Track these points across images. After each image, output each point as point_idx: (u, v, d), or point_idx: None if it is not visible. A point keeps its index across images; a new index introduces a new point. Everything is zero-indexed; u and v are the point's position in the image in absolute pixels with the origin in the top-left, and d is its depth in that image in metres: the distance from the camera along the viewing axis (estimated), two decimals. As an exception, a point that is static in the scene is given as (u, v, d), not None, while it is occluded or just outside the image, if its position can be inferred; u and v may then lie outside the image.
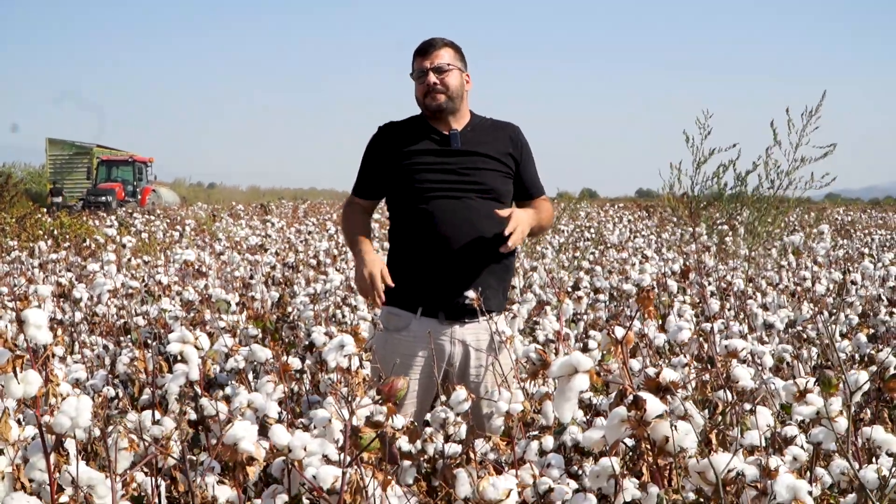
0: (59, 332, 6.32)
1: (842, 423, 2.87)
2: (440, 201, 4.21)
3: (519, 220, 4.12)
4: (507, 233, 4.06)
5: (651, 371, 2.53)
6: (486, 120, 4.45)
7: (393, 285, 4.20)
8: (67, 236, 16.54)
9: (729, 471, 2.31)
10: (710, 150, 12.91)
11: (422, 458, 3.29)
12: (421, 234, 4.21)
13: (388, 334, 4.29)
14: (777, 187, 12.83)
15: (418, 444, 3.25)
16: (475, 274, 4.19)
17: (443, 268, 4.17)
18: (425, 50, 4.30)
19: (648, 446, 2.33)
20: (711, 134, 12.71)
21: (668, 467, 2.46)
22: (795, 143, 12.10)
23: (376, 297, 4.15)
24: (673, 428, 2.27)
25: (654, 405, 2.28)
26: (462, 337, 4.24)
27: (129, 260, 10.28)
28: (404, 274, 4.28)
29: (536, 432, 3.42)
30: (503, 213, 4.10)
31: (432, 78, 4.26)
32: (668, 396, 2.46)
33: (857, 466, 2.65)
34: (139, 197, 37.43)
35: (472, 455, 3.28)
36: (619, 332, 2.64)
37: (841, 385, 3.00)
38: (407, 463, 3.26)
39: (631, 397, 2.31)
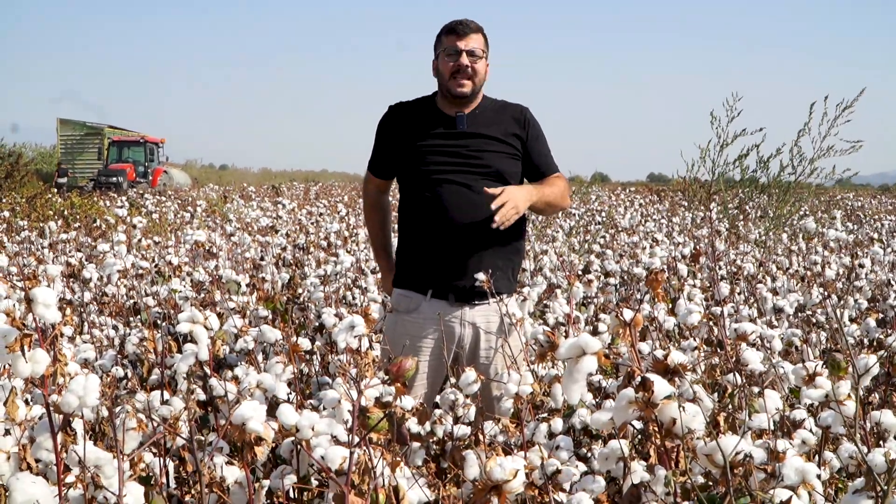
0: (69, 311, 6.34)
1: (850, 407, 2.86)
2: (447, 184, 4.23)
3: (510, 195, 4.05)
4: (493, 206, 4.00)
5: (659, 353, 2.52)
6: (494, 102, 4.44)
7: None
8: (78, 217, 16.55)
9: (737, 453, 2.30)
10: (735, 132, 12.93)
11: (431, 440, 3.29)
12: (428, 217, 4.22)
13: (398, 316, 4.31)
14: (799, 174, 12.86)
15: (427, 425, 3.25)
16: (483, 256, 4.20)
17: (450, 250, 4.18)
18: (460, 31, 4.27)
19: (656, 428, 2.32)
20: (736, 118, 12.75)
21: (675, 449, 2.45)
22: (824, 133, 12.14)
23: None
24: (681, 409, 2.27)
25: (661, 387, 2.28)
26: (472, 319, 4.25)
27: (140, 240, 10.29)
28: (414, 256, 4.30)
29: (545, 415, 3.42)
30: (494, 190, 4.06)
31: (465, 60, 4.25)
32: (677, 379, 2.46)
33: (865, 450, 2.65)
34: (150, 178, 37.46)
35: (481, 437, 3.28)
36: (628, 314, 2.64)
37: (850, 369, 3.00)
38: (416, 444, 3.26)
39: (639, 379, 2.30)
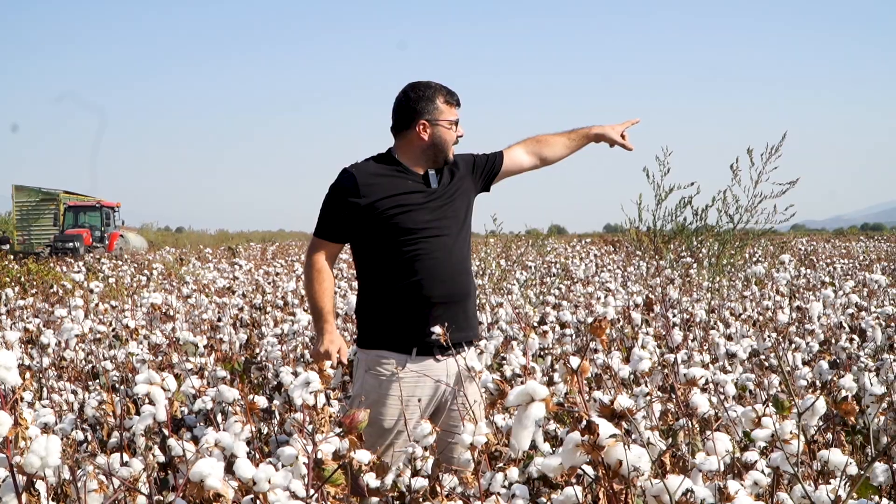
0: (28, 377, 6.33)
1: (794, 445, 2.92)
2: (433, 239, 4.29)
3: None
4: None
5: (606, 399, 2.58)
6: None
7: (346, 363, 4.25)
8: (35, 283, 16.48)
9: (684, 493, 2.35)
10: (670, 186, 13.30)
11: (390, 494, 3.32)
12: (417, 275, 4.26)
13: (378, 378, 4.25)
14: (738, 222, 13.14)
15: (388, 479, 3.28)
16: (467, 305, 4.38)
17: (440, 304, 4.23)
18: (457, 101, 4.43)
19: (604, 471, 2.38)
20: (672, 171, 13.15)
21: (623, 492, 2.50)
22: (755, 179, 12.44)
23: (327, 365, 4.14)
24: (626, 448, 2.32)
25: (606, 428, 2.33)
26: (455, 368, 4.28)
27: (97, 305, 10.26)
28: (397, 316, 4.27)
29: (502, 464, 3.46)
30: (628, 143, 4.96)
31: (461, 130, 4.41)
32: (624, 423, 2.51)
33: (811, 488, 2.70)
34: (107, 242, 37.41)
35: (438, 488, 3.32)
36: (574, 361, 2.70)
37: (795, 409, 3.06)
38: (374, 500, 3.29)
39: (584, 422, 2.36)
